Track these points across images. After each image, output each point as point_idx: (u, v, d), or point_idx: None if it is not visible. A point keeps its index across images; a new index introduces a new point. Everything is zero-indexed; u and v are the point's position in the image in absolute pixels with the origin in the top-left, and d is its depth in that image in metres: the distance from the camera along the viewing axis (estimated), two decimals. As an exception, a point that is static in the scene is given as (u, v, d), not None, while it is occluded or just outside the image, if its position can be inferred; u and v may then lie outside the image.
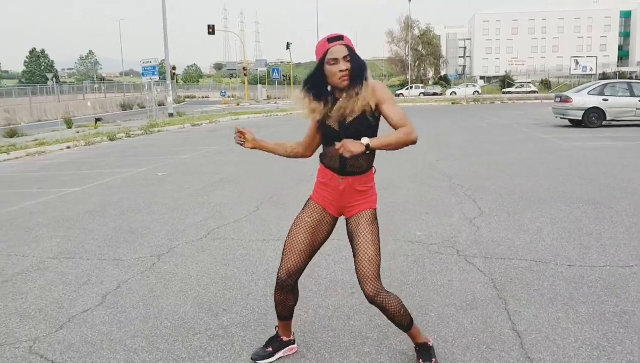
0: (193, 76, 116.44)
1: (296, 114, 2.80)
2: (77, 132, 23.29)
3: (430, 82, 78.72)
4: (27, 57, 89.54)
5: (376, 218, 2.80)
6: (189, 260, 4.95)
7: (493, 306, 3.69)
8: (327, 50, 2.59)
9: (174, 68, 50.89)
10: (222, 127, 23.08)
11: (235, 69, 67.92)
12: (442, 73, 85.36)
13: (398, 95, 61.89)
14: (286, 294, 2.88)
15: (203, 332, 3.44)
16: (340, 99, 2.65)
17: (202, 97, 70.21)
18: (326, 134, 2.75)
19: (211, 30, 43.97)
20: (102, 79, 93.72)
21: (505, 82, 67.89)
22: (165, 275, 4.56)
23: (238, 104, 46.51)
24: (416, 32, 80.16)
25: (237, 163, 11.46)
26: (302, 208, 2.88)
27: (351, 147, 2.45)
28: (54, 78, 58.03)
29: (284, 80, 68.03)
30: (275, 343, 3.07)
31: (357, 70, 2.60)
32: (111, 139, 18.83)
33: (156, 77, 31.11)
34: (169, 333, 3.43)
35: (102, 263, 4.94)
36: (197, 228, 6.07)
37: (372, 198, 2.80)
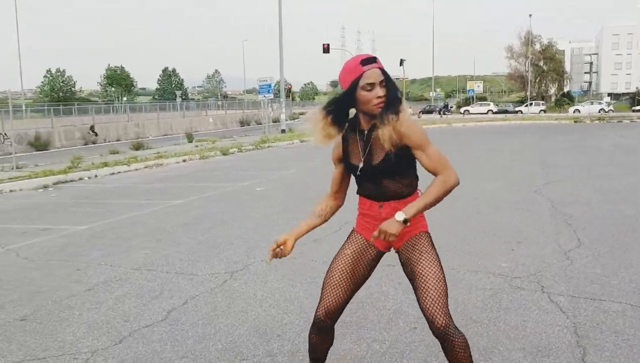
0: (309, 94, 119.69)
1: (311, 139, 2.56)
2: (196, 146, 24.69)
3: (552, 98, 74.59)
4: (160, 76, 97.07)
5: (432, 241, 2.51)
6: (259, 279, 4.94)
7: (568, 355, 3.27)
8: (362, 74, 2.36)
9: (290, 86, 52.58)
10: (329, 144, 23.30)
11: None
12: (565, 90, 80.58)
13: (517, 112, 59.20)
14: (323, 335, 2.62)
15: (250, 357, 3.38)
16: (380, 129, 2.38)
17: (317, 114, 71.47)
18: (354, 171, 2.55)
19: (326, 48, 44.87)
20: (225, 96, 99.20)
21: (635, 99, 62.57)
22: (232, 293, 4.58)
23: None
24: (537, 47, 76.61)
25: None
26: (345, 242, 2.64)
27: (390, 229, 2.28)
28: (182, 95, 62.36)
29: (397, 96, 67.41)
30: None
31: (393, 98, 2.39)
32: (224, 154, 19.72)
33: (271, 95, 32.31)
34: (216, 356, 3.41)
35: (178, 277, 5.09)
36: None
37: (421, 223, 2.52)
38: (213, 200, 9.66)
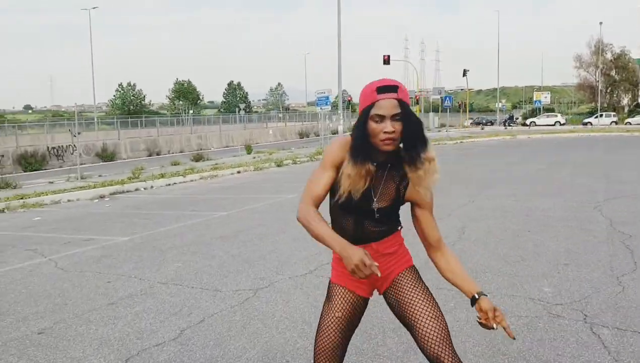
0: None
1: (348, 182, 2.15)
2: (254, 157, 24.98)
3: (625, 109, 70.89)
4: (225, 90, 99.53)
5: (420, 276, 2.27)
6: (281, 298, 4.76)
7: (604, 398, 2.90)
8: (374, 102, 2.08)
9: (350, 98, 52.50)
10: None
11: (412, 98, 68.28)
12: (640, 100, 76.56)
13: (586, 123, 56.64)
14: None
15: (252, 384, 3.19)
16: (411, 172, 2.14)
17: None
18: (350, 207, 2.22)
19: (386, 60, 44.57)
20: (287, 108, 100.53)
21: None
22: (251, 312, 4.42)
23: (409, 133, 46.17)
24: (609, 56, 73.22)
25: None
26: (327, 298, 2.31)
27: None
28: (245, 108, 63.53)
29: (458, 107, 66.37)
30: None
31: (414, 136, 2.11)
32: (278, 166, 19.80)
33: (328, 107, 32.28)
34: (218, 381, 3.25)
35: (202, 293, 4.98)
36: (307, 262, 5.89)
37: (405, 258, 2.29)
38: (256, 212, 9.60)
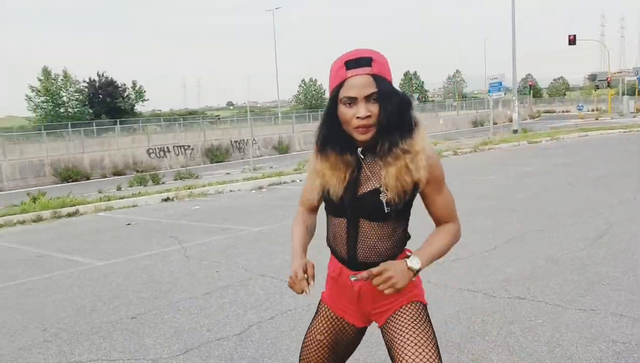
0: (559, 89, 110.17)
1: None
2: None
3: None
4: (401, 80, 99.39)
5: (428, 316, 1.87)
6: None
7: None
8: (343, 81, 1.71)
9: (531, 83, 49.04)
10: (560, 146, 21.01)
11: (604, 80, 61.34)
12: None
13: None
14: None
15: (282, 390, 3.07)
16: (384, 168, 1.75)
17: (563, 112, 65.46)
18: (328, 203, 1.90)
19: (572, 40, 40.71)
20: (464, 96, 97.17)
21: None
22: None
23: (597, 119, 41.68)
24: None
25: (532, 188, 10.17)
26: (315, 315, 2.05)
27: (398, 279, 1.68)
28: (419, 97, 62.93)
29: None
30: None
31: (392, 117, 1.69)
32: (455, 153, 19.30)
33: (501, 94, 30.49)
34: (252, 383, 3.18)
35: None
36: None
37: (411, 293, 1.88)
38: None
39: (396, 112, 1.69)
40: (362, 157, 1.79)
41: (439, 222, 1.89)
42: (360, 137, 1.72)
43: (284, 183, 14.51)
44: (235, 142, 32.31)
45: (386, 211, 1.77)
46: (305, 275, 1.84)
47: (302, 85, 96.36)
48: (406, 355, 1.75)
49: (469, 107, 59.33)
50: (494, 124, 40.82)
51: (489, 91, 31.29)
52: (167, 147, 30.58)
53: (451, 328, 3.79)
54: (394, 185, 1.73)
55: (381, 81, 1.69)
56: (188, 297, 4.94)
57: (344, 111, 1.71)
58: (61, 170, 25.76)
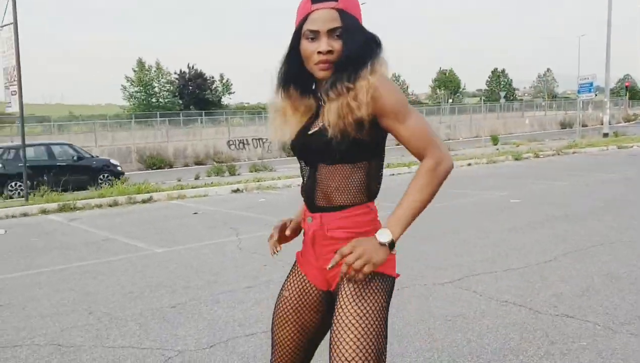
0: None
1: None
2: (497, 149, 23.76)
3: None
4: (489, 77, 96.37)
5: (382, 294, 1.67)
6: (416, 304, 4.43)
7: None
8: (308, 14, 1.65)
9: (628, 83, 46.06)
10: (652, 152, 19.57)
11: None
12: None
13: None
14: None
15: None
16: (325, 105, 1.68)
17: (667, 115, 61.16)
18: (292, 146, 1.85)
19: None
20: (554, 96, 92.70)
21: None
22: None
23: None
24: None
25: (608, 197, 9.51)
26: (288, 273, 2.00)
27: (372, 256, 1.57)
28: (505, 96, 60.87)
29: None
30: None
31: (352, 54, 1.62)
32: (516, 159, 18.46)
33: (591, 95, 28.81)
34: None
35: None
36: (467, 267, 5.37)
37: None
38: (455, 208, 9.09)
39: (359, 51, 1.62)
40: (324, 100, 1.69)
41: (418, 157, 1.71)
42: (320, 73, 1.67)
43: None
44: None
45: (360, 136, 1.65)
46: (275, 238, 2.01)
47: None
48: (337, 340, 1.63)
49: (558, 107, 56.61)
50: (583, 126, 38.74)
51: (578, 92, 29.70)
52: (247, 140, 31.38)
53: (485, 343, 3.61)
54: (335, 123, 1.64)
55: (347, 17, 1.63)
56: (229, 289, 5.01)
57: (306, 46, 1.67)
58: (146, 157, 27.06)
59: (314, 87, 1.79)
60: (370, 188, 1.78)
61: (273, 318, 1.95)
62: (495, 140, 27.39)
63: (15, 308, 4.72)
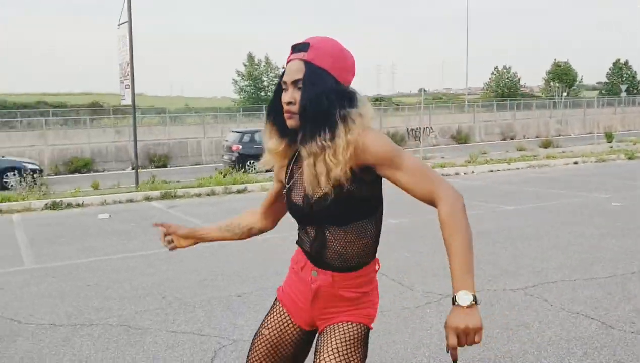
0: None
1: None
2: (610, 147, 22.18)
3: None
4: (610, 69, 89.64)
5: (362, 343, 1.73)
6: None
7: None
8: (286, 65, 1.73)
9: None
10: None
11: None
12: None
13: None
14: None
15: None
16: (304, 160, 1.70)
17: None
18: (292, 209, 1.86)
19: None
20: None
21: None
22: (405, 319, 4.15)
23: None
24: None
25: None
26: (267, 312, 1.97)
27: (473, 323, 1.49)
28: (628, 89, 56.28)
29: None
30: None
31: (308, 105, 1.63)
32: (629, 158, 17.21)
33: None
34: None
35: (393, 288, 4.88)
36: (544, 273, 5.11)
37: (364, 311, 1.77)
38: (549, 209, 8.64)
39: (314, 103, 1.62)
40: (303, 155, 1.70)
41: (428, 203, 1.66)
42: (287, 122, 1.71)
43: (446, 176, 14.09)
44: (412, 129, 32.18)
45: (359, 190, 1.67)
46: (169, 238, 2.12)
47: (495, 72, 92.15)
48: None
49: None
50: None
51: None
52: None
53: (542, 357, 3.43)
54: (309, 181, 1.68)
55: (311, 68, 1.64)
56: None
57: (282, 95, 1.72)
58: (249, 148, 28.05)
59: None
60: (378, 239, 1.80)
61: (249, 355, 1.93)
62: (609, 137, 25.52)
63: (100, 288, 5.15)
